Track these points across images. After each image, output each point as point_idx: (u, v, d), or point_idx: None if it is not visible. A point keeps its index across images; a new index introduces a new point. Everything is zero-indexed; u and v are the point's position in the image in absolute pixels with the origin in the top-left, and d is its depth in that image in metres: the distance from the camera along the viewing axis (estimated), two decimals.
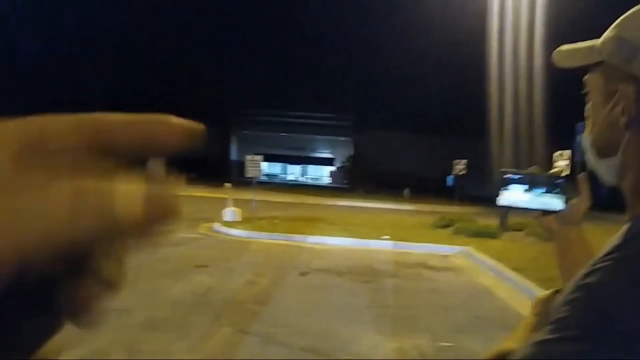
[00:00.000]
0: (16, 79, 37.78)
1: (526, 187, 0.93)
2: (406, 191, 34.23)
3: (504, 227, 12.74)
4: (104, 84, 40.90)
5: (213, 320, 4.92)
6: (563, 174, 0.93)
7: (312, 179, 68.89)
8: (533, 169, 0.96)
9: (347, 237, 11.22)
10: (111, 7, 45.52)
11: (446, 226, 13.67)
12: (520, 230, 12.39)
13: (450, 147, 32.39)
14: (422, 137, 42.57)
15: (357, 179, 42.77)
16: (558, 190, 0.92)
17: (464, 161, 20.33)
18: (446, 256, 10.01)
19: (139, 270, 6.92)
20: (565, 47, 0.78)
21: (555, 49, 0.80)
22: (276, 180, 56.22)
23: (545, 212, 0.93)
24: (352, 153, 51.00)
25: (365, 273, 7.88)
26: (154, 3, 48.23)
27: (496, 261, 8.70)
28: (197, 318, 4.97)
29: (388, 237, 11.31)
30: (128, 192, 0.19)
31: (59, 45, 45.02)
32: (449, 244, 10.94)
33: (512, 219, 12.85)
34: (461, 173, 20.54)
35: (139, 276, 6.51)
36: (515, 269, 7.78)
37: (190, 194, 24.75)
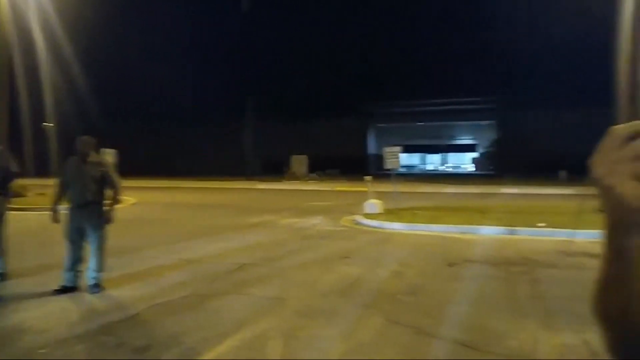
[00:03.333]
0: None
1: None
2: (562, 173, 31.11)
3: None
4: (259, 80, 45.90)
5: (363, 310, 4.98)
6: None
7: (453, 167, 66.34)
8: None
9: (497, 226, 10.51)
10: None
11: None
12: None
13: (615, 120, 28.52)
14: (579, 111, 37.92)
15: (504, 164, 40.03)
16: None
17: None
18: None
19: (286, 261, 7.30)
20: None
21: None
22: (415, 171, 55.26)
23: None
24: (496, 137, 47.79)
25: (520, 263, 7.30)
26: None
27: None
28: (347, 307, 5.08)
29: (544, 224, 10.34)
30: None
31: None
32: None
33: None
34: None
35: (290, 266, 6.89)
36: None
37: (331, 189, 25.59)
